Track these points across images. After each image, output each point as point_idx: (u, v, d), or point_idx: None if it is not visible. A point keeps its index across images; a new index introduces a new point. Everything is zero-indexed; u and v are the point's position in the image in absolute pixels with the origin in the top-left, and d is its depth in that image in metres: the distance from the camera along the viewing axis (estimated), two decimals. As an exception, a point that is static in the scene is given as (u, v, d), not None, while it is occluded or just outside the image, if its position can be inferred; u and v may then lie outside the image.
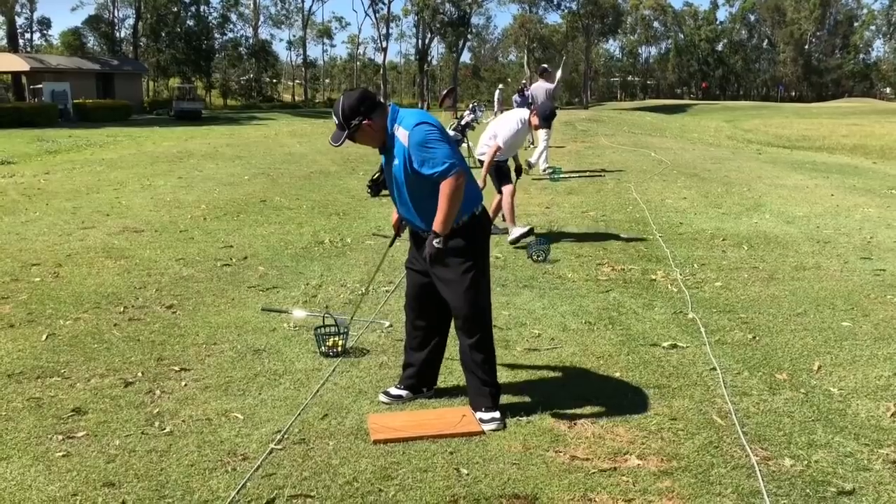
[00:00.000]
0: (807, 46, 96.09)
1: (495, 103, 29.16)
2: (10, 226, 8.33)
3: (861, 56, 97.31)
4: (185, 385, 3.93)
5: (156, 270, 6.35)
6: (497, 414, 3.46)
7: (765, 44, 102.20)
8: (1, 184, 12.10)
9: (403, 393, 3.73)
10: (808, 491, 2.90)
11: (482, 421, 3.44)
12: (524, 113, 7.32)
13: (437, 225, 3.32)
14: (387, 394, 3.73)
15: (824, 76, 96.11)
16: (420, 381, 3.75)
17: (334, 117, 3.39)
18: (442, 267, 3.43)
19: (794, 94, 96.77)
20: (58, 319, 5.02)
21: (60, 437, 3.33)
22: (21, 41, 57.51)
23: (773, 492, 2.90)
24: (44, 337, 4.65)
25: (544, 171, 13.00)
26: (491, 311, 3.62)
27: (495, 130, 7.28)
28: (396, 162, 3.39)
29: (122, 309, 5.26)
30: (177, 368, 4.15)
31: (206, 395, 3.81)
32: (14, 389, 3.85)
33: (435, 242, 3.33)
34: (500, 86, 34.51)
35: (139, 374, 4.06)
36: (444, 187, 3.29)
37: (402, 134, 3.35)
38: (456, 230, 3.40)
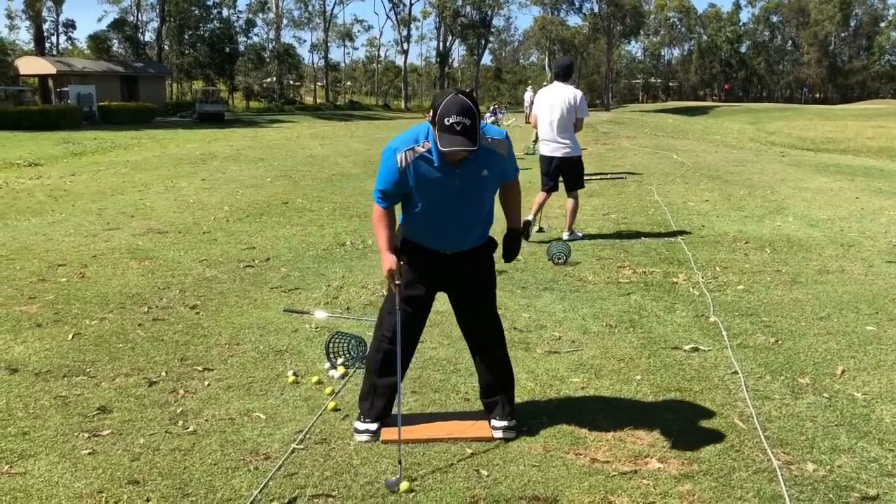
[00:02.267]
0: (831, 48, 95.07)
1: (526, 105, 29.14)
2: (37, 227, 8.45)
3: (887, 57, 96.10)
4: (209, 385, 3.97)
5: (179, 271, 6.42)
6: (512, 422, 3.42)
7: (788, 45, 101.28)
8: (28, 185, 12.28)
9: (377, 424, 3.44)
10: (830, 496, 2.88)
11: (494, 428, 3.41)
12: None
13: (517, 222, 3.51)
14: (367, 432, 3.38)
15: (849, 78, 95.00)
16: (390, 406, 3.48)
17: (459, 118, 2.93)
18: (484, 280, 3.43)
19: (818, 95, 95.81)
20: (84, 319, 5.09)
21: (86, 435, 3.38)
22: (47, 44, 58.26)
23: (795, 496, 2.88)
24: (70, 336, 4.72)
25: None
26: None
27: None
28: (486, 173, 3.19)
29: (146, 309, 5.32)
30: (200, 368, 4.20)
31: (229, 394, 3.85)
32: (41, 388, 3.91)
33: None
34: (531, 87, 34.47)
35: (163, 374, 4.11)
36: (518, 188, 3.47)
37: (498, 143, 3.21)
38: (490, 242, 3.44)
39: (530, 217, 7.71)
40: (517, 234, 3.51)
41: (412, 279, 3.32)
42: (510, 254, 3.52)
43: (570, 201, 7.86)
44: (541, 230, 8.21)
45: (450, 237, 3.28)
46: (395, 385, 3.41)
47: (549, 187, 7.88)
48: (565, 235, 7.81)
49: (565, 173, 7.77)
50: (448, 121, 2.93)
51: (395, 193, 3.20)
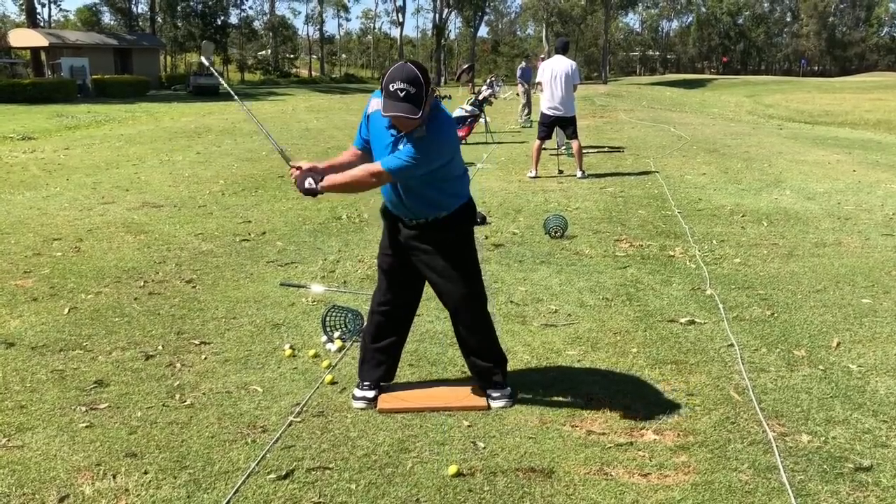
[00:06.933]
0: (830, 19, 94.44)
1: (519, 78, 28.77)
2: (31, 201, 8.41)
3: (886, 29, 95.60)
4: (205, 358, 3.97)
5: (175, 245, 6.40)
6: (506, 391, 3.44)
7: (787, 17, 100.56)
8: (22, 159, 12.20)
9: (375, 392, 3.48)
10: (824, 467, 2.90)
11: (491, 398, 3.43)
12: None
13: (332, 183, 3.19)
14: (364, 399, 3.43)
15: (848, 50, 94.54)
16: (389, 374, 3.56)
17: (404, 84, 2.91)
18: (434, 257, 3.30)
19: (816, 68, 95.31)
20: (79, 293, 5.08)
21: (83, 408, 3.39)
22: (39, 17, 57.52)
23: (790, 467, 2.90)
24: (66, 310, 4.71)
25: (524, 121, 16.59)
26: (485, 294, 3.51)
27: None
28: None
29: (142, 283, 5.31)
30: (197, 342, 4.20)
31: (226, 368, 3.85)
32: (38, 362, 3.91)
33: (310, 185, 3.19)
34: (524, 62, 33.99)
35: (160, 348, 4.11)
36: (371, 174, 3.13)
37: (434, 123, 3.11)
38: (445, 220, 3.27)
39: (532, 173, 10.00)
40: (312, 192, 3.20)
41: (385, 244, 3.43)
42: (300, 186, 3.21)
43: (575, 143, 10.01)
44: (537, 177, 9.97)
45: (400, 204, 3.26)
46: (388, 352, 3.48)
47: (544, 136, 10.03)
48: (578, 174, 9.90)
49: (562, 126, 10.03)
50: (392, 86, 2.95)
51: (362, 132, 3.37)
